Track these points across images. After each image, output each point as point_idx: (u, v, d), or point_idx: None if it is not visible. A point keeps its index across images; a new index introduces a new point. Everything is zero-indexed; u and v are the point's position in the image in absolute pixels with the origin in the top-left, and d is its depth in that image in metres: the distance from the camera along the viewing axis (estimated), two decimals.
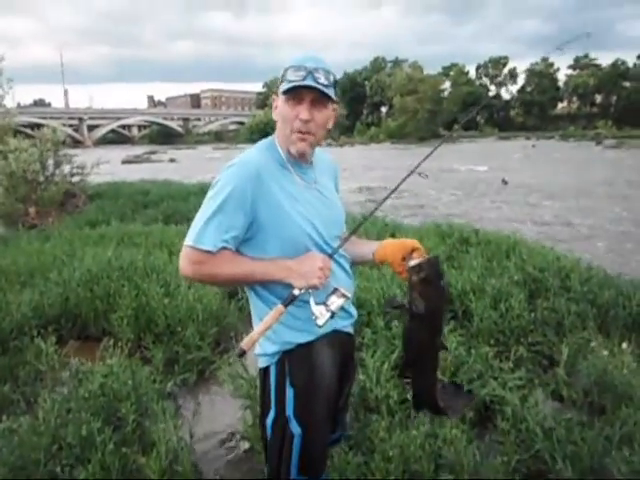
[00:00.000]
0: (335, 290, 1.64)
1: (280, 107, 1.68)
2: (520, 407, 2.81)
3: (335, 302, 1.62)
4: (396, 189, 1.86)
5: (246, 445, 2.99)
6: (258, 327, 1.57)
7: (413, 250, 1.73)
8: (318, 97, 1.63)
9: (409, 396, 2.99)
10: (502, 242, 5.88)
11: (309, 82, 1.60)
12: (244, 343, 1.53)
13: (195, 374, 3.83)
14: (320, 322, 1.59)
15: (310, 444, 1.71)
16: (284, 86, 1.63)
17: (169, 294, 4.62)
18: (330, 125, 1.74)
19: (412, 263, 1.68)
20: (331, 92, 1.65)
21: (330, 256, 1.66)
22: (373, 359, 3.28)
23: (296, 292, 1.58)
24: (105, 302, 4.61)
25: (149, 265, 5.34)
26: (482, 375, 3.21)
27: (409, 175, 1.86)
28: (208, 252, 1.55)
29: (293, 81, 1.60)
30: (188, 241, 1.57)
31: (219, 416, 3.39)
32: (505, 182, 19.98)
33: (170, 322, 4.24)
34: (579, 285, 4.35)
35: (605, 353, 3.26)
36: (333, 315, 1.61)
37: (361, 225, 1.82)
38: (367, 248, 1.86)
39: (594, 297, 4.20)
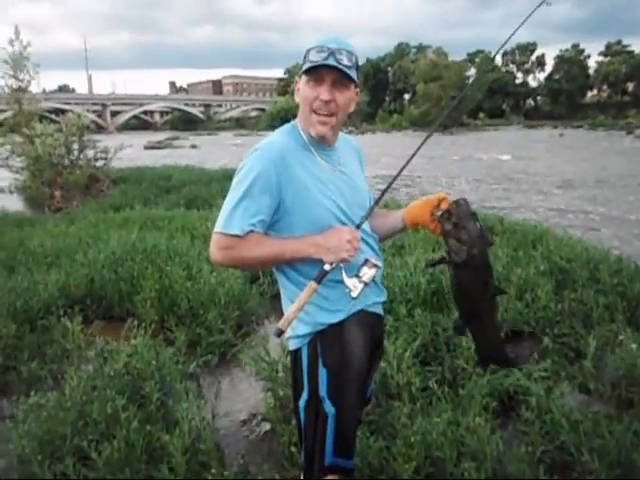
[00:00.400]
0: (366, 261, 1.64)
1: (301, 88, 1.67)
2: (545, 398, 2.77)
3: (367, 273, 1.62)
4: (405, 166, 1.79)
5: (267, 427, 3.01)
6: (292, 306, 1.57)
7: (439, 203, 1.71)
8: (339, 78, 1.62)
9: (431, 383, 2.99)
10: (528, 232, 5.80)
11: (330, 62, 1.58)
12: (281, 323, 1.55)
13: (217, 356, 3.85)
14: (354, 294, 1.60)
15: (344, 424, 1.71)
16: (306, 66, 1.62)
17: (191, 277, 4.67)
18: (352, 108, 1.72)
19: (439, 212, 1.66)
20: (353, 73, 1.63)
21: (357, 227, 1.65)
22: (395, 346, 3.26)
23: (327, 267, 1.58)
24: (129, 284, 4.67)
25: (172, 248, 5.40)
26: None
27: (415, 154, 1.79)
28: (236, 236, 1.56)
29: (314, 61, 1.59)
30: (217, 228, 1.59)
31: (240, 397, 3.42)
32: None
33: (192, 305, 4.28)
34: (608, 277, 4.26)
35: (634, 346, 3.18)
36: (366, 285, 1.61)
37: (383, 195, 1.78)
38: (396, 216, 1.86)
39: (623, 289, 4.11)
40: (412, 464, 2.39)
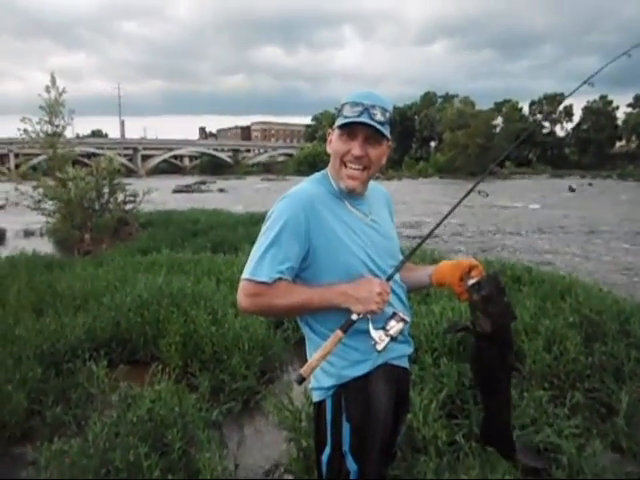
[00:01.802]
0: (394, 314, 1.62)
1: (334, 141, 1.70)
2: (577, 456, 2.68)
3: (394, 326, 1.60)
4: (448, 215, 1.83)
5: (290, 478, 2.95)
6: (317, 354, 1.55)
7: (471, 269, 1.70)
8: (372, 134, 1.65)
9: (458, 437, 2.91)
10: (557, 282, 5.70)
11: (364, 119, 1.61)
12: (304, 370, 1.53)
13: (240, 403, 3.82)
14: (379, 347, 1.58)
15: None
16: (340, 121, 1.65)
17: (216, 322, 4.66)
18: (383, 161, 1.74)
19: (471, 282, 1.65)
20: (386, 129, 1.66)
21: (388, 279, 1.64)
22: (420, 397, 3.20)
23: (354, 317, 1.56)
24: (154, 328, 4.68)
25: (197, 293, 5.41)
26: (536, 420, 3.09)
27: (462, 200, 1.84)
28: (264, 284, 1.56)
29: (348, 117, 1.63)
30: (245, 275, 1.59)
31: (263, 447, 3.37)
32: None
33: (217, 350, 4.27)
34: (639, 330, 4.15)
35: None
36: (392, 339, 1.59)
37: (416, 250, 1.79)
38: (424, 272, 1.85)
39: None
40: None
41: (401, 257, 1.82)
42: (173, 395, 3.34)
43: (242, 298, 1.60)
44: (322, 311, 1.64)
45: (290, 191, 1.67)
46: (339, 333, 1.55)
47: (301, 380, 1.52)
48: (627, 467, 2.70)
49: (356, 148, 1.64)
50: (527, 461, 1.84)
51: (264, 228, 1.64)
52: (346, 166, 1.67)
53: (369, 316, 1.58)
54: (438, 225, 1.80)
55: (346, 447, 1.65)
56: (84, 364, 4.00)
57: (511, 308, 1.66)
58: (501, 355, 1.66)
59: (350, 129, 1.64)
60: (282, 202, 1.64)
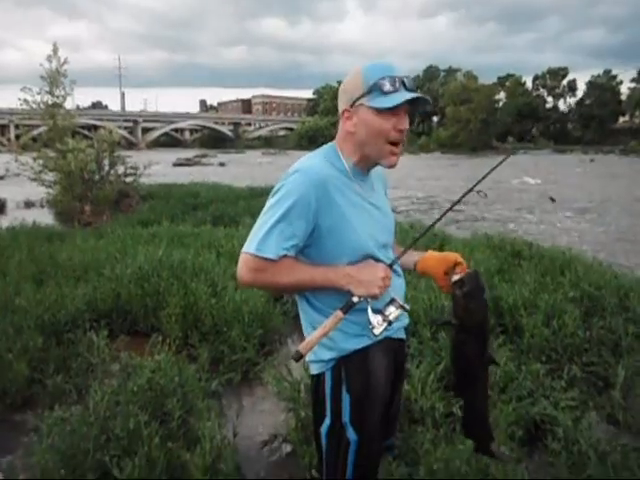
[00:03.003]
0: (393, 300, 1.62)
1: (371, 120, 1.60)
2: (573, 428, 2.71)
3: (393, 313, 1.61)
4: (454, 205, 1.85)
5: (288, 448, 2.98)
6: (316, 332, 1.54)
7: (456, 265, 1.72)
8: (408, 106, 1.62)
9: (455, 409, 2.93)
10: (556, 257, 5.70)
11: (411, 94, 1.57)
12: (302, 347, 1.51)
13: (239, 374, 3.85)
14: (377, 331, 1.58)
15: (365, 451, 1.68)
16: (381, 100, 1.57)
17: (216, 294, 4.68)
18: None
19: (455, 278, 1.68)
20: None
21: (390, 266, 1.63)
22: (419, 370, 3.23)
23: (355, 299, 1.55)
24: (155, 299, 4.70)
25: (198, 265, 5.43)
26: (533, 393, 3.12)
27: (467, 192, 1.84)
28: (269, 260, 1.53)
29: (393, 93, 1.57)
30: (249, 249, 1.54)
31: (262, 417, 3.41)
32: (553, 200, 19.33)
33: (216, 322, 4.28)
34: (638, 305, 4.17)
35: None
36: (389, 325, 1.60)
37: (420, 238, 1.80)
38: (409, 258, 1.83)
39: None
40: None
41: (394, 235, 1.84)
42: (173, 365, 3.36)
43: (244, 272, 1.56)
44: (324, 290, 1.62)
45: (301, 165, 1.61)
46: (339, 314, 1.54)
47: (299, 357, 1.51)
48: (622, 439, 2.73)
49: (403, 122, 1.61)
50: (499, 456, 1.90)
51: (272, 201, 1.58)
52: (391, 143, 1.63)
53: (369, 300, 1.58)
54: (439, 219, 1.86)
55: (346, 418, 1.65)
56: (84, 334, 4.03)
57: (488, 306, 1.72)
58: (479, 349, 1.70)
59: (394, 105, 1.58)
60: (293, 177, 1.58)
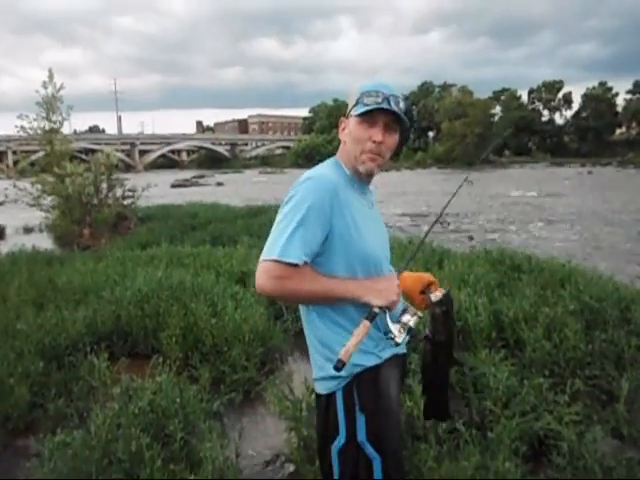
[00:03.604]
0: (406, 309, 1.68)
1: (353, 129, 1.70)
2: (577, 443, 2.69)
3: (410, 320, 1.66)
4: (434, 225, 1.99)
5: (291, 468, 2.97)
6: (352, 340, 1.52)
7: (430, 284, 1.85)
8: (391, 121, 1.68)
9: (458, 425, 2.92)
10: (556, 270, 5.69)
11: (386, 105, 1.64)
12: (342, 355, 1.50)
13: (241, 394, 3.84)
14: (399, 340, 1.64)
15: (393, 471, 1.67)
16: (360, 108, 1.67)
17: (216, 314, 4.67)
18: (394, 150, 1.77)
19: (434, 298, 1.78)
20: (404, 118, 1.69)
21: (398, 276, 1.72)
22: (420, 386, 3.21)
23: (376, 310, 1.59)
24: (155, 321, 4.69)
25: (197, 285, 5.42)
26: (536, 408, 3.10)
27: (435, 222, 2.01)
28: (293, 265, 1.52)
29: (369, 104, 1.65)
30: (271, 255, 1.54)
31: (264, 437, 3.39)
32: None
33: (217, 342, 4.27)
34: None
35: None
36: (409, 332, 1.65)
37: (419, 248, 1.87)
38: None
39: None
40: None
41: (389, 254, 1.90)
42: (174, 387, 3.34)
43: (265, 280, 1.54)
44: (338, 303, 1.64)
45: (312, 173, 1.65)
46: (366, 323, 1.55)
47: (342, 365, 1.50)
48: (627, 453, 2.71)
49: (377, 134, 1.66)
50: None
51: (287, 208, 1.59)
52: (365, 153, 1.69)
53: (386, 310, 1.62)
54: (435, 222, 1.97)
55: (362, 437, 1.64)
56: (85, 357, 4.01)
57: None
58: (448, 360, 1.88)
59: (371, 116, 1.66)
60: (306, 184, 1.61)
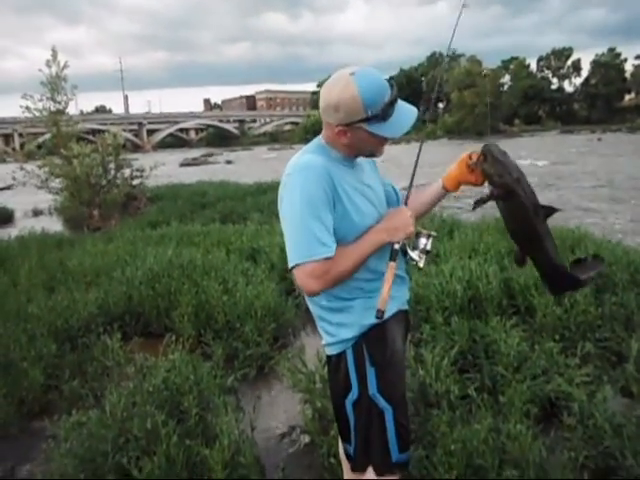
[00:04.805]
0: (419, 234, 1.76)
1: (366, 139, 1.63)
2: (587, 403, 2.71)
3: (427, 243, 1.76)
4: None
5: (306, 439, 3.00)
6: (385, 287, 1.63)
7: (471, 157, 1.83)
8: None
9: (470, 391, 2.95)
10: (566, 236, 5.64)
11: (410, 123, 1.65)
12: (379, 305, 1.61)
13: (255, 369, 3.88)
14: (422, 264, 1.75)
15: (401, 418, 1.76)
16: (386, 128, 1.61)
17: (227, 291, 4.70)
18: None
19: (474, 159, 1.80)
20: None
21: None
22: (432, 354, 3.23)
23: (396, 246, 1.67)
24: (166, 300, 4.73)
25: (208, 263, 5.46)
26: (547, 371, 3.12)
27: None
28: (328, 258, 1.56)
29: (389, 117, 1.60)
30: (302, 259, 1.56)
31: (279, 410, 3.44)
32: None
33: (229, 319, 4.31)
34: None
35: None
36: (428, 254, 1.76)
37: (413, 176, 1.89)
38: (435, 188, 1.94)
39: None
40: (453, 473, 2.37)
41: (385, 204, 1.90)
42: (187, 364, 3.38)
43: (311, 282, 1.57)
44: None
45: (302, 164, 1.63)
46: (392, 264, 1.65)
47: (382, 315, 1.61)
48: (638, 410, 2.72)
49: (382, 150, 1.72)
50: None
51: (293, 207, 1.59)
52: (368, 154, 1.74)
53: (405, 243, 1.71)
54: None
55: (374, 390, 1.71)
56: (98, 338, 4.07)
57: (518, 165, 1.79)
58: (530, 204, 1.77)
59: None
60: (300, 177, 1.59)
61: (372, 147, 1.69)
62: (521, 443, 2.43)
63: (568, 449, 2.50)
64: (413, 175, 1.88)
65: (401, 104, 1.65)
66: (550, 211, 1.83)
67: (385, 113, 1.58)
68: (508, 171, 1.75)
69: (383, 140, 1.67)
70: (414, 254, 1.74)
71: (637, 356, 3.16)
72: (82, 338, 4.18)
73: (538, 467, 2.38)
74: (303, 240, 1.56)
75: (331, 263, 1.56)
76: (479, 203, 1.87)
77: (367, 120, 1.58)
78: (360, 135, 1.62)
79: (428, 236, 1.76)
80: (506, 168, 1.75)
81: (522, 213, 1.79)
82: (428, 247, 1.75)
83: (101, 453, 2.55)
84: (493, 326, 3.56)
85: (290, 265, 1.59)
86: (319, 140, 1.73)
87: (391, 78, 1.67)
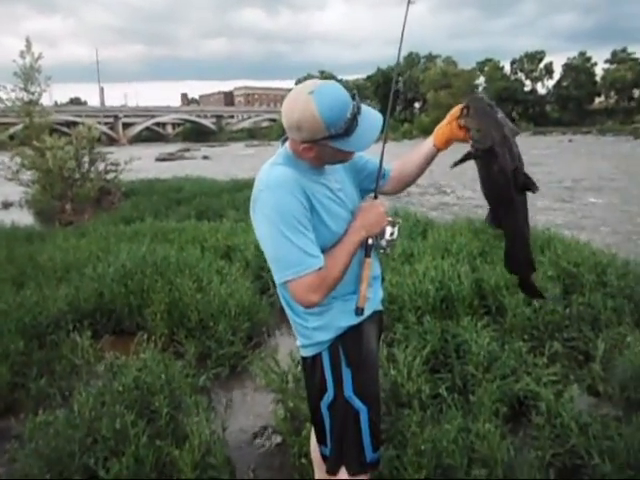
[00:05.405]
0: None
1: (333, 153, 1.63)
2: (555, 402, 2.76)
3: (394, 231, 1.78)
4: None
5: (278, 439, 3.00)
6: (362, 284, 1.70)
7: (462, 111, 1.76)
8: None
9: (441, 390, 2.98)
10: (536, 237, 5.72)
11: (374, 136, 1.62)
12: (359, 302, 1.69)
13: (228, 368, 3.86)
14: (389, 251, 1.79)
15: (375, 418, 1.78)
16: (351, 143, 1.59)
17: (201, 289, 4.67)
18: None
19: (459, 113, 1.72)
20: None
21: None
22: (405, 354, 3.26)
23: (370, 241, 1.72)
24: (139, 297, 4.67)
25: (182, 261, 5.40)
26: (516, 370, 3.17)
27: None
28: (320, 269, 1.58)
29: (352, 131, 1.58)
30: (297, 274, 1.56)
31: (251, 410, 3.42)
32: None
33: (202, 317, 4.27)
34: (615, 280, 4.25)
35: None
36: (395, 241, 1.79)
37: (380, 167, 1.87)
38: (425, 146, 1.89)
39: (630, 292, 4.11)
40: (422, 472, 2.39)
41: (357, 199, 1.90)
42: (159, 363, 3.35)
43: (309, 295, 1.58)
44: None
45: (272, 179, 1.61)
46: (368, 260, 1.71)
47: (361, 311, 1.69)
48: (603, 409, 2.80)
49: (351, 157, 1.75)
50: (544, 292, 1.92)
51: (273, 226, 1.57)
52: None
53: (377, 236, 1.74)
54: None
55: (349, 392, 1.73)
56: (68, 336, 4.00)
57: (507, 120, 1.67)
58: (510, 167, 1.65)
59: None
60: (274, 194, 1.58)
61: (340, 158, 1.69)
62: (490, 442, 2.46)
63: (535, 448, 2.55)
64: (380, 165, 1.87)
65: (366, 112, 1.61)
66: (530, 185, 1.69)
67: (348, 129, 1.56)
68: (493, 127, 1.63)
69: (350, 153, 1.68)
70: (382, 242, 1.76)
71: (603, 355, 3.24)
72: (51, 335, 4.09)
73: (506, 466, 2.42)
74: (292, 256, 1.56)
75: (324, 272, 1.58)
76: (457, 162, 1.81)
77: (330, 137, 1.57)
78: (326, 150, 1.61)
79: (394, 224, 1.78)
80: (490, 123, 1.64)
81: (498, 177, 1.66)
82: (395, 235, 1.77)
83: (68, 453, 2.52)
84: (464, 326, 3.60)
85: (281, 281, 1.60)
86: (286, 150, 1.71)
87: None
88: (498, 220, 1.78)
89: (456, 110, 1.78)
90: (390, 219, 1.77)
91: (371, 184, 1.87)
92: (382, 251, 1.78)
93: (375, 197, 1.81)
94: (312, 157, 1.64)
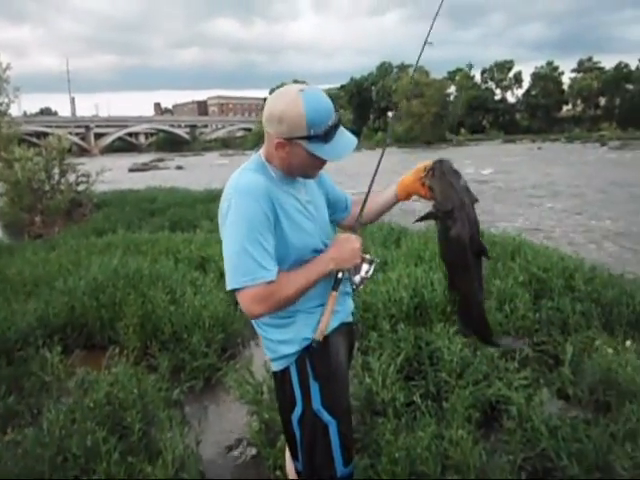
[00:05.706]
0: (363, 258, 1.76)
1: (303, 157, 1.62)
2: (526, 406, 2.80)
3: (369, 269, 1.78)
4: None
5: (253, 451, 2.98)
6: (324, 318, 1.69)
7: (425, 169, 1.81)
8: None
9: (415, 398, 2.99)
10: (507, 243, 5.83)
11: (347, 150, 1.64)
12: (317, 335, 1.68)
13: (202, 381, 3.82)
14: (360, 288, 1.79)
15: (345, 432, 1.77)
16: (326, 150, 1.60)
17: (175, 301, 4.62)
18: None
19: (425, 173, 1.77)
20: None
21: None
22: (379, 362, 3.27)
23: (340, 275, 1.70)
24: (111, 311, 4.60)
25: (155, 273, 5.34)
26: (488, 376, 3.20)
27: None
28: (271, 282, 1.55)
29: (330, 140, 1.60)
30: (245, 282, 1.54)
31: (226, 422, 3.39)
32: None
33: (176, 329, 4.23)
34: (583, 285, 4.35)
35: (610, 351, 3.27)
36: (367, 280, 1.79)
37: (367, 199, 1.90)
38: (388, 193, 1.93)
39: (598, 296, 4.20)
40: None
41: (330, 228, 1.90)
42: (131, 377, 3.30)
43: (253, 306, 1.56)
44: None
45: (242, 185, 1.61)
46: (334, 293, 1.70)
47: (318, 344, 1.68)
48: (572, 412, 2.84)
49: (317, 173, 1.76)
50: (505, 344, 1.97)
51: (234, 230, 1.58)
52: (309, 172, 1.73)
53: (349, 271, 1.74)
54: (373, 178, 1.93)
55: (317, 405, 1.72)
56: (37, 352, 3.91)
57: (468, 188, 1.73)
58: (467, 233, 1.71)
59: None
60: (242, 199, 1.57)
61: (308, 167, 1.68)
62: (462, 448, 2.48)
63: (507, 452, 2.59)
64: (368, 192, 1.89)
65: (342, 132, 1.65)
66: (485, 252, 1.77)
67: (327, 135, 1.58)
68: (453, 192, 1.69)
69: (320, 162, 1.66)
70: (356, 278, 1.76)
71: (572, 359, 3.29)
72: (19, 351, 4.00)
73: (479, 471, 2.45)
74: (243, 264, 1.55)
75: (274, 287, 1.56)
76: (420, 219, 1.88)
77: (308, 138, 1.58)
78: (298, 152, 1.61)
79: (370, 262, 1.77)
80: (451, 188, 1.70)
81: (456, 241, 1.72)
82: (370, 273, 1.77)
83: (37, 473, 2.47)
84: (437, 333, 3.63)
85: (229, 287, 1.58)
86: (259, 157, 1.72)
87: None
88: (454, 284, 1.86)
89: (420, 167, 1.83)
90: (368, 257, 1.76)
91: (331, 214, 1.93)
92: (354, 287, 1.77)
93: (354, 231, 1.80)
94: (282, 157, 1.64)
